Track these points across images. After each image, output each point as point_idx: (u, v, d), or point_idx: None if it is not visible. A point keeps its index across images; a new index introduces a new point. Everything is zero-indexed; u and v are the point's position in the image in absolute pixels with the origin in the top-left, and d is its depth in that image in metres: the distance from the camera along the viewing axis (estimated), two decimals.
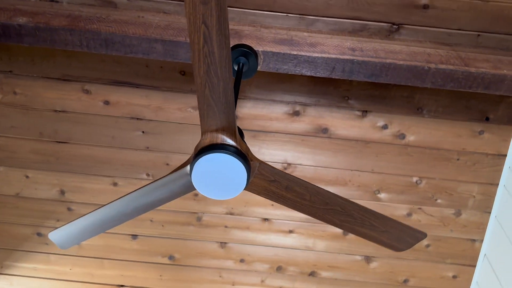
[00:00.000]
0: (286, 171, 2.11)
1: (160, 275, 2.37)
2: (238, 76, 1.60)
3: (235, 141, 1.11)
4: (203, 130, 1.11)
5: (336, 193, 1.24)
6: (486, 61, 1.85)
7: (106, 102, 2.03)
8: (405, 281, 2.40)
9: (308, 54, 1.73)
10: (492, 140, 2.10)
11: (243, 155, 1.10)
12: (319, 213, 1.27)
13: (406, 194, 2.19)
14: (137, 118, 2.06)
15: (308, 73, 1.75)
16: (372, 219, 1.29)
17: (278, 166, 2.13)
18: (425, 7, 1.78)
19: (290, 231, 2.26)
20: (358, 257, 2.33)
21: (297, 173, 2.14)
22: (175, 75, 1.97)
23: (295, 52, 1.73)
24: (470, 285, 2.39)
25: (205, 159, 1.09)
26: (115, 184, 2.19)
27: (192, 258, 2.33)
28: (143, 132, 2.08)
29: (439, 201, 2.20)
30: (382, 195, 2.19)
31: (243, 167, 1.10)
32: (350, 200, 1.25)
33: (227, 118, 1.08)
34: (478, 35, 1.87)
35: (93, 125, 2.07)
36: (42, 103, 2.03)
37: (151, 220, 2.25)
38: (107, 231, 2.27)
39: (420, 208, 2.22)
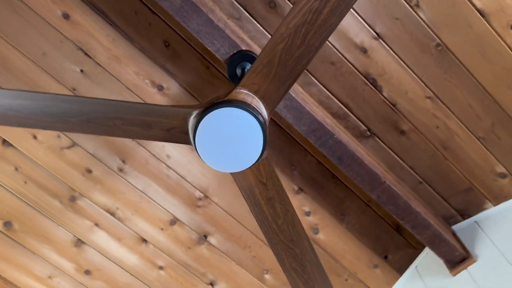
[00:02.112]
0: (201, 201, 1.89)
1: None
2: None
3: (268, 116, 0.94)
4: (243, 82, 0.93)
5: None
6: (419, 206, 2.00)
7: (66, 15, 1.66)
8: None
9: (302, 104, 1.68)
10: (379, 278, 2.18)
11: (266, 134, 0.92)
12: (278, 245, 1.09)
13: (287, 287, 2.09)
14: (86, 53, 1.71)
15: (291, 121, 1.68)
16: (318, 282, 1.15)
17: (196, 192, 1.89)
18: (402, 132, 1.92)
19: (160, 267, 1.93)
20: None
21: (206, 209, 1.92)
22: (157, 41, 1.74)
23: (293, 94, 1.67)
24: None
25: (229, 111, 0.89)
26: None
27: (33, 239, 1.82)
28: (82, 71, 1.72)
29: None
30: (267, 276, 2.05)
31: (262, 144, 0.92)
32: (314, 250, 1.11)
33: (279, 88, 0.92)
34: (421, 182, 2.05)
35: (33, 29, 1.65)
36: None
37: (16, 169, 1.75)
38: None
39: None
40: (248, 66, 1.56)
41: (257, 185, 1.03)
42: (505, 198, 2.00)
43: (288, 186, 1.97)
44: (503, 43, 1.59)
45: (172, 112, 0.96)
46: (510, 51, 1.61)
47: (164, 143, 1.83)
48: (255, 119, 0.89)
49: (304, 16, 0.86)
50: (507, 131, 1.80)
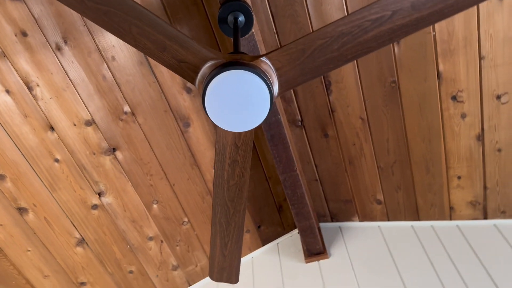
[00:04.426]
0: (126, 115, 1.84)
1: None
2: (236, 32, 1.44)
3: (276, 96, 1.00)
4: (270, 55, 0.96)
5: None
6: (308, 199, 2.26)
7: None
8: None
9: None
10: (245, 242, 2.42)
11: (271, 110, 0.98)
12: (219, 200, 1.18)
13: (168, 221, 2.18)
14: None
15: None
16: (233, 241, 1.27)
17: (125, 106, 1.82)
18: (326, 135, 2.11)
19: (56, 160, 1.83)
20: None
21: (127, 125, 1.87)
22: None
23: None
24: None
25: (248, 76, 0.92)
26: None
27: None
28: None
29: None
30: (155, 206, 2.10)
31: (264, 117, 0.98)
32: (244, 215, 1.22)
33: (298, 76, 0.99)
34: (316, 179, 2.30)
35: None
36: None
37: None
38: None
39: None
40: (242, 17, 1.55)
41: (231, 145, 1.08)
42: (370, 219, 2.38)
43: (212, 137, 2.03)
44: (438, 106, 1.87)
45: (194, 48, 0.94)
46: (439, 115, 1.90)
47: (115, 43, 1.71)
48: (269, 93, 0.94)
49: (352, 28, 0.93)
50: (401, 171, 2.13)
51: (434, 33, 1.70)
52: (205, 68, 0.96)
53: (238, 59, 0.94)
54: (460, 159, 2.02)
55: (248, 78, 0.92)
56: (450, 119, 1.90)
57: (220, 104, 0.95)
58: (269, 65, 0.96)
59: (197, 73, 0.97)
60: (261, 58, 0.96)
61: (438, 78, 1.80)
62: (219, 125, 0.98)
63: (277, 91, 0.99)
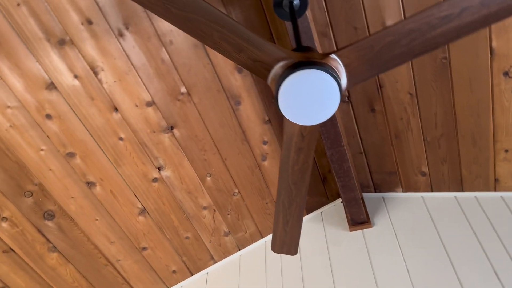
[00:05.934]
0: (182, 96, 1.94)
1: None
2: (293, 15, 1.49)
3: (344, 90, 1.07)
4: (340, 52, 1.02)
5: None
6: (353, 172, 2.34)
7: None
8: None
9: None
10: None
11: (339, 104, 1.05)
12: (284, 182, 1.28)
13: (221, 193, 2.32)
14: None
15: None
16: (293, 219, 1.37)
17: (182, 87, 1.92)
18: (373, 110, 2.16)
19: (120, 138, 1.97)
20: None
21: (183, 105, 1.97)
22: None
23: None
24: None
25: (320, 74, 0.99)
26: None
27: (4, 64, 1.68)
28: None
29: None
30: (209, 179, 2.24)
31: (333, 112, 1.05)
32: (306, 196, 1.31)
33: (365, 72, 1.04)
34: (361, 152, 2.37)
35: None
36: None
37: None
38: None
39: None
40: (297, 1, 1.59)
41: (297, 135, 1.16)
42: (414, 190, 2.45)
43: (261, 114, 2.11)
44: (490, 82, 1.87)
45: (268, 48, 1.01)
46: (490, 90, 1.90)
47: (173, 28, 1.79)
48: (338, 90, 1.01)
49: (421, 25, 0.97)
50: (448, 145, 2.17)
51: None
52: (278, 68, 1.03)
53: (309, 58, 1.01)
54: (508, 133, 2.03)
55: (319, 76, 0.99)
56: (501, 94, 1.91)
57: (292, 101, 1.02)
58: (339, 62, 1.02)
59: (270, 71, 1.04)
60: (331, 56, 1.02)
61: (491, 54, 1.79)
62: (290, 120, 1.06)
63: (345, 86, 1.06)
